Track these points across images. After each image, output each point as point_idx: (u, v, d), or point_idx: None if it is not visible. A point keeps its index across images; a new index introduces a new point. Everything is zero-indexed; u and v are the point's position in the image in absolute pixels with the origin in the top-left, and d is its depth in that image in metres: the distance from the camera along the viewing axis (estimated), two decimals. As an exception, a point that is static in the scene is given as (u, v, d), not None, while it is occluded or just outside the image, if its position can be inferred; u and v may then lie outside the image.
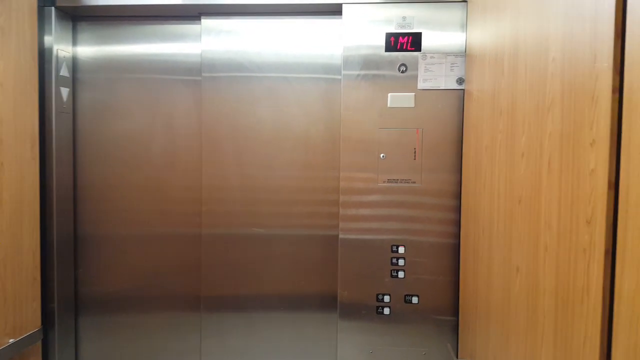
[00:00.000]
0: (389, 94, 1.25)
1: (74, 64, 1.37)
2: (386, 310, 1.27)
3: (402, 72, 1.25)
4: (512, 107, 0.90)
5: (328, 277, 1.35)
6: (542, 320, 0.76)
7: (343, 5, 1.25)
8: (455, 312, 1.26)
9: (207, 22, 1.33)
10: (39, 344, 1.28)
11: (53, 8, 1.27)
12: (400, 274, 1.27)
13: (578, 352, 0.65)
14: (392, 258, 1.27)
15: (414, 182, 1.26)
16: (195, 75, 1.36)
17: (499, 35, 0.99)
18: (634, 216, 0.56)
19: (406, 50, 1.24)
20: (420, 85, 1.24)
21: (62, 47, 1.32)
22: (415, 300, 1.27)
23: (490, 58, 1.04)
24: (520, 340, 0.84)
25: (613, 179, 0.60)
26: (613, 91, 0.61)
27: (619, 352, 0.57)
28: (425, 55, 1.24)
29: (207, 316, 1.38)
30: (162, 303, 1.40)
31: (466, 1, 1.22)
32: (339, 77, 1.29)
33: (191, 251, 1.39)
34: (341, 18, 1.26)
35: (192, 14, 1.34)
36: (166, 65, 1.36)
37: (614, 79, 0.61)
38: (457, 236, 1.26)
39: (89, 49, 1.37)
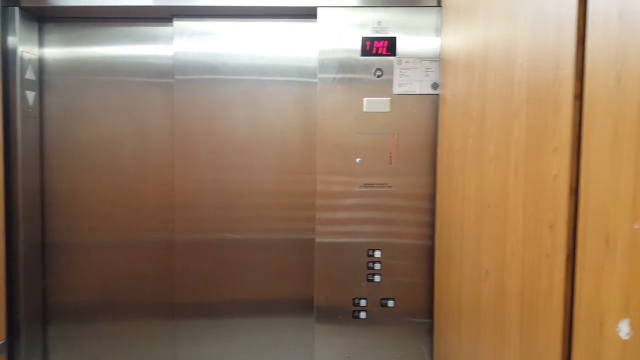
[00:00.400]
0: (365, 99, 1.25)
1: (41, 66, 1.33)
2: (362, 315, 1.27)
3: (378, 76, 1.25)
4: (482, 112, 0.91)
5: (305, 281, 1.34)
6: (509, 324, 0.77)
7: (318, 8, 1.25)
8: (431, 314, 1.27)
9: (179, 24, 1.31)
10: (4, 357, 1.23)
11: (17, 8, 1.23)
12: (377, 278, 1.27)
13: (541, 355, 0.66)
14: (368, 262, 1.27)
15: (390, 187, 1.26)
16: (168, 77, 1.33)
17: (470, 41, 1.00)
18: (592, 222, 0.57)
19: (382, 54, 1.24)
20: (396, 89, 1.25)
21: (27, 49, 1.27)
22: (391, 303, 1.27)
23: (463, 63, 1.05)
24: (489, 343, 0.85)
25: (574, 185, 0.61)
26: (575, 98, 0.62)
27: (578, 355, 0.58)
28: (401, 60, 1.24)
29: (182, 324, 1.35)
30: (135, 311, 1.37)
31: (441, 6, 1.23)
32: (315, 80, 1.29)
33: (164, 257, 1.36)
34: (316, 21, 1.26)
35: (164, 16, 1.31)
36: (138, 67, 1.34)
37: (575, 86, 0.62)
38: (432, 238, 1.26)
39: (56, 51, 1.33)
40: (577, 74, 0.61)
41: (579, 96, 0.61)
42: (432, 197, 1.26)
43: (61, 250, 1.36)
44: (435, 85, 1.24)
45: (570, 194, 0.62)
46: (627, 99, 0.51)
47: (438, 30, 1.24)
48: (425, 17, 1.24)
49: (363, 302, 1.27)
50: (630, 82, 0.51)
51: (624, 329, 0.51)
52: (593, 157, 0.57)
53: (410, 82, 1.24)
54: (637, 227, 0.50)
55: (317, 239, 1.27)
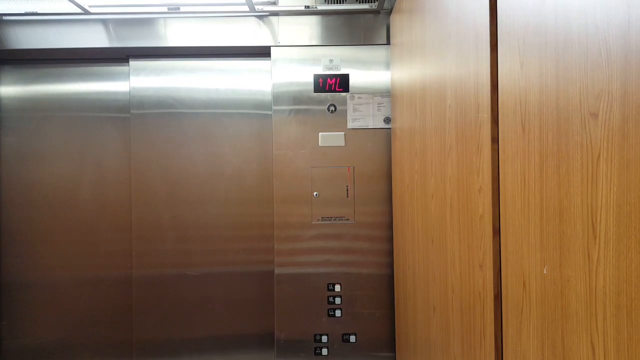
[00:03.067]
0: (320, 133, 1.27)
1: (-4, 106, 1.33)
2: (324, 351, 1.25)
3: (332, 111, 1.27)
4: (423, 148, 0.93)
5: (265, 315, 1.32)
6: (454, 362, 0.76)
7: (272, 48, 1.27)
8: (394, 346, 1.25)
9: (135, 63, 1.32)
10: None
11: (-29, 52, 1.23)
12: (338, 313, 1.25)
13: (478, 399, 0.65)
14: (329, 296, 1.25)
15: (348, 220, 1.26)
16: (124, 112, 1.34)
17: (412, 77, 1.03)
18: (512, 264, 0.57)
19: (334, 91, 1.27)
20: (350, 124, 1.27)
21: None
22: (353, 339, 1.25)
23: (407, 99, 1.08)
24: (440, 382, 0.84)
25: (497, 226, 0.62)
26: (492, 141, 0.64)
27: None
28: (353, 96, 1.27)
29: (141, 366, 1.31)
30: (93, 351, 1.33)
31: (389, 44, 1.27)
32: (270, 112, 1.31)
33: (122, 294, 1.33)
34: (270, 59, 1.28)
35: (120, 57, 1.33)
36: (95, 103, 1.35)
37: (492, 130, 0.64)
38: (392, 266, 1.26)
39: (13, 90, 1.34)
40: (493, 118, 0.63)
41: (496, 139, 0.63)
42: (390, 226, 1.26)
43: (17, 290, 1.32)
44: (387, 120, 1.26)
45: (494, 234, 0.63)
46: (530, 146, 0.53)
47: (388, 67, 1.27)
48: (376, 54, 1.28)
49: (324, 338, 1.25)
50: (532, 130, 0.53)
51: (542, 373, 0.51)
52: (509, 199, 0.58)
53: (364, 117, 1.26)
54: (545, 272, 0.51)
55: (276, 270, 1.26)
